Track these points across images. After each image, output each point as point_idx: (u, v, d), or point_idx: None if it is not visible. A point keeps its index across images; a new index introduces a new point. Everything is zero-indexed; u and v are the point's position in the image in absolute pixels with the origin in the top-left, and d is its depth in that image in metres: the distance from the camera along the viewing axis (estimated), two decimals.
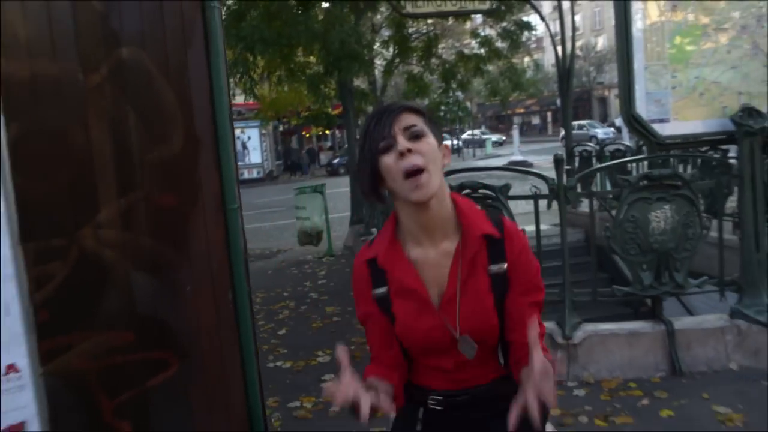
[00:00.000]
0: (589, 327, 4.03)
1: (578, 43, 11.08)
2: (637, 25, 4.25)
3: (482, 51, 11.86)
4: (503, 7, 10.04)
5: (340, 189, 15.93)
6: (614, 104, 34.42)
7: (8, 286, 2.05)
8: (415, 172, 1.38)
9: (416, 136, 1.42)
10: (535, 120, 56.39)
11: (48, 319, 2.14)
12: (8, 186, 2.02)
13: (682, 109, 4.08)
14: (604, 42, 45.85)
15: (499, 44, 11.75)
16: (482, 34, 12.53)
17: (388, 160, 1.41)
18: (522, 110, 53.35)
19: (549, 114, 52.65)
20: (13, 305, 2.06)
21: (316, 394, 4.07)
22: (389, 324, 1.53)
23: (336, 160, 30.75)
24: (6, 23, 2.04)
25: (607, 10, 42.59)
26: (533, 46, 30.30)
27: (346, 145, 12.95)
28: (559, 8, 9.90)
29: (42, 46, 2.13)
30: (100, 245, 2.27)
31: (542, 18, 10.06)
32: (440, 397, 1.53)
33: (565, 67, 9.70)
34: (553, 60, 10.74)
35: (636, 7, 4.23)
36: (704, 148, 5.20)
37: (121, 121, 2.29)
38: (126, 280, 2.33)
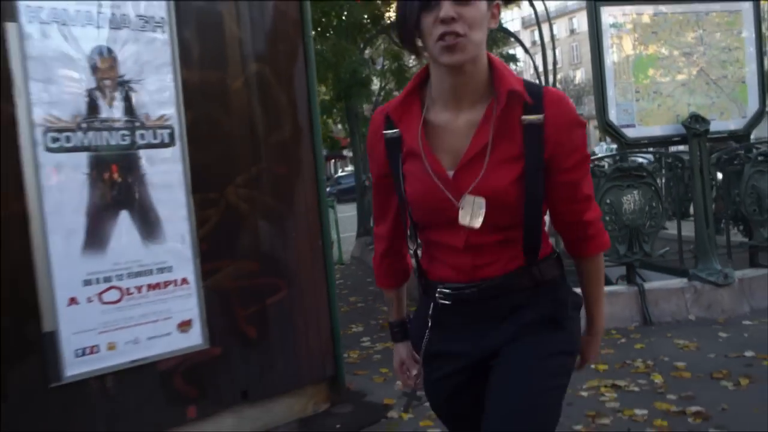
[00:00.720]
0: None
1: (557, 77, 12.23)
2: (612, 58, 5.34)
3: None
4: (489, 41, 11.21)
5: (339, 214, 16.86)
6: (593, 134, 35.84)
7: (184, 223, 3.05)
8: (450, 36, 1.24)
9: None
10: None
11: (206, 249, 3.11)
12: (186, 154, 3.02)
13: (644, 117, 5.16)
14: (582, 75, 47.73)
15: None
16: None
17: (427, 20, 1.25)
18: None
19: None
20: (186, 237, 3.05)
21: (359, 349, 5.00)
22: (393, 187, 1.46)
23: (328, 189, 31.75)
24: (185, 46, 3.04)
25: (584, 44, 44.53)
26: None
27: (352, 167, 13.83)
28: (541, 40, 11.08)
29: (206, 61, 3.13)
30: (238, 199, 3.24)
31: (526, 51, 11.22)
32: (447, 290, 1.42)
33: None
34: None
35: (609, 43, 5.33)
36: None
37: (252, 114, 3.29)
38: (254, 225, 3.30)
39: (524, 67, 30.41)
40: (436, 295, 1.44)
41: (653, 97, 5.19)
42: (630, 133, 5.13)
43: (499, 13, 1.34)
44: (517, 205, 1.34)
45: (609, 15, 5.31)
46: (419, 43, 1.31)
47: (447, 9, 1.23)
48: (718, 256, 5.03)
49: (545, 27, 10.59)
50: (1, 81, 2.54)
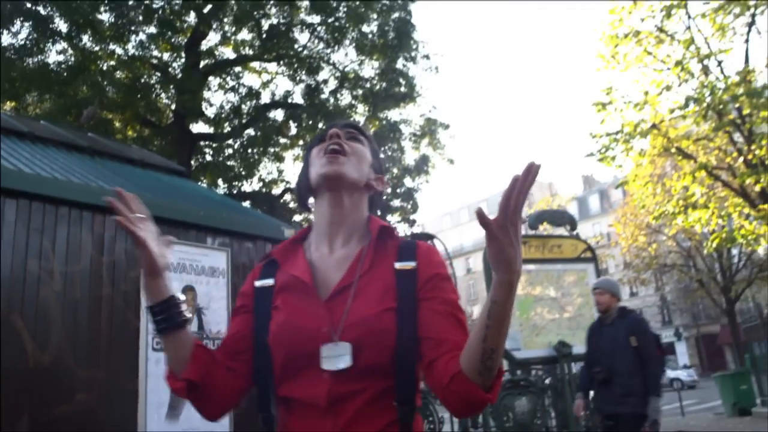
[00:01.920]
0: None
1: None
2: None
3: None
4: None
5: None
6: None
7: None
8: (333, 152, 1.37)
9: (352, 138, 1.41)
10: None
11: (237, 424, 4.50)
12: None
13: (527, 342, 7.10)
14: (478, 311, 51.11)
15: None
16: None
17: (316, 149, 1.41)
18: None
19: None
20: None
21: None
22: (250, 329, 1.39)
23: None
24: (235, 286, 4.73)
25: (479, 282, 48.54)
26: None
27: None
28: None
29: None
30: None
31: None
32: None
33: None
34: None
35: None
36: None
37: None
38: None
39: None
40: None
41: (532, 329, 7.21)
42: (517, 354, 7.02)
43: (384, 184, 1.47)
44: (388, 337, 1.27)
45: None
46: (311, 200, 1.45)
47: (335, 130, 1.41)
48: None
49: None
50: (134, 305, 4.12)
